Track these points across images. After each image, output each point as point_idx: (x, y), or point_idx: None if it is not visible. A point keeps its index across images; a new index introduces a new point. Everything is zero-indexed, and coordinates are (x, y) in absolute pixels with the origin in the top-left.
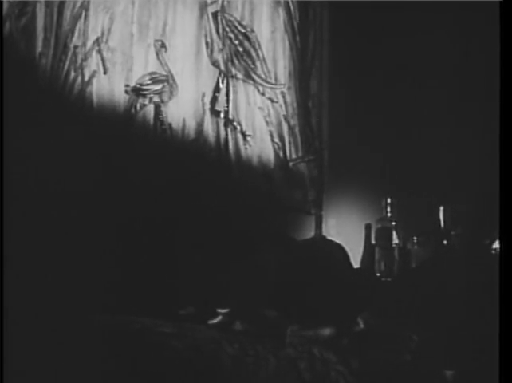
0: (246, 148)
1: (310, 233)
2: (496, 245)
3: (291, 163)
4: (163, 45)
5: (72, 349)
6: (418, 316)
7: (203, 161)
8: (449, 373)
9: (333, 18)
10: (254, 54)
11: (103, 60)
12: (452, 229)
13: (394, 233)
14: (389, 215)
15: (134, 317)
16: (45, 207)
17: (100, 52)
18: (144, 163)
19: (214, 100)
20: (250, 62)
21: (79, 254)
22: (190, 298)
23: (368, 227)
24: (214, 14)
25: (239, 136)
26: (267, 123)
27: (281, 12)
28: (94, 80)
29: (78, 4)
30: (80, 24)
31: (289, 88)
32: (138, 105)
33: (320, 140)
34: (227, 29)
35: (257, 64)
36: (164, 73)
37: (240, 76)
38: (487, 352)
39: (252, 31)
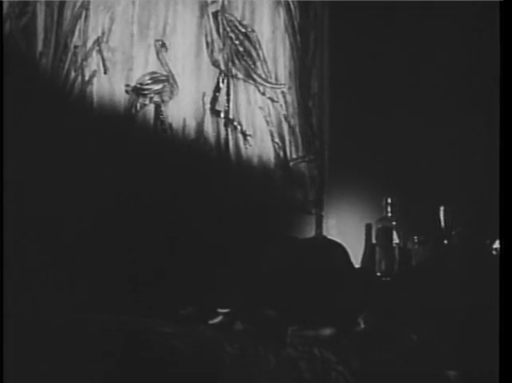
0: (246, 148)
1: (311, 233)
2: (496, 245)
3: (291, 163)
4: (163, 45)
5: (71, 349)
6: (418, 316)
7: (204, 161)
8: (449, 373)
9: (334, 18)
10: (254, 54)
11: (103, 60)
12: (453, 229)
13: (394, 233)
14: (390, 214)
15: (134, 316)
16: (45, 207)
17: (100, 52)
18: (145, 162)
19: (214, 99)
20: (250, 62)
21: (79, 254)
22: (190, 298)
23: (368, 227)
24: (215, 14)
25: (240, 135)
26: (268, 123)
27: (282, 12)
28: (94, 80)
29: (78, 4)
30: (80, 24)
31: (289, 87)
32: (138, 105)
33: (321, 140)
34: (228, 28)
35: (258, 64)
36: (165, 72)
37: (240, 75)
38: (487, 352)
39: (252, 31)
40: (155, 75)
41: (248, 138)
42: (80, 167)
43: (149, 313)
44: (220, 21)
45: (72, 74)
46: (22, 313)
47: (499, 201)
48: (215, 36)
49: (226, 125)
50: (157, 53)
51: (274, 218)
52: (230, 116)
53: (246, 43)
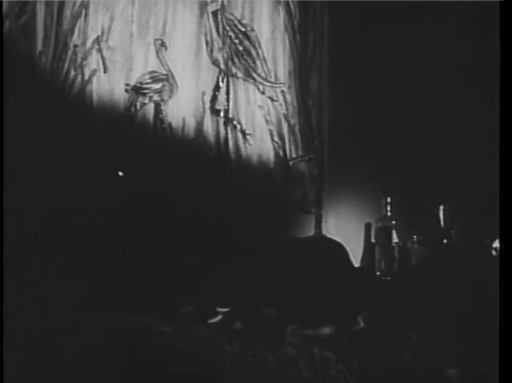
0: (245, 147)
1: (310, 232)
2: (496, 244)
3: (291, 162)
4: (163, 44)
5: (72, 349)
6: (418, 315)
7: (203, 160)
8: (449, 372)
9: (333, 17)
10: (254, 53)
11: (103, 59)
12: (452, 228)
13: (394, 232)
14: (389, 213)
15: (134, 316)
16: (45, 207)
17: (100, 51)
18: (144, 161)
19: (214, 98)
20: (250, 61)
21: (79, 253)
22: (190, 298)
23: (367, 226)
24: (214, 13)
25: (239, 134)
26: (267, 122)
27: (282, 11)
28: (94, 79)
29: (78, 3)
30: (80, 23)
31: (289, 86)
32: (138, 104)
33: (321, 139)
34: (227, 28)
35: (258, 63)
36: (164, 71)
37: (240, 75)
38: (487, 351)
39: (252, 30)
40: (154, 74)
41: (248, 137)
42: (80, 166)
43: (149, 313)
44: (220, 21)
45: (72, 73)
46: (22, 314)
47: (499, 201)
48: (215, 35)
49: (225, 124)
50: (157, 52)
51: (274, 217)
52: (230, 115)
53: (246, 42)
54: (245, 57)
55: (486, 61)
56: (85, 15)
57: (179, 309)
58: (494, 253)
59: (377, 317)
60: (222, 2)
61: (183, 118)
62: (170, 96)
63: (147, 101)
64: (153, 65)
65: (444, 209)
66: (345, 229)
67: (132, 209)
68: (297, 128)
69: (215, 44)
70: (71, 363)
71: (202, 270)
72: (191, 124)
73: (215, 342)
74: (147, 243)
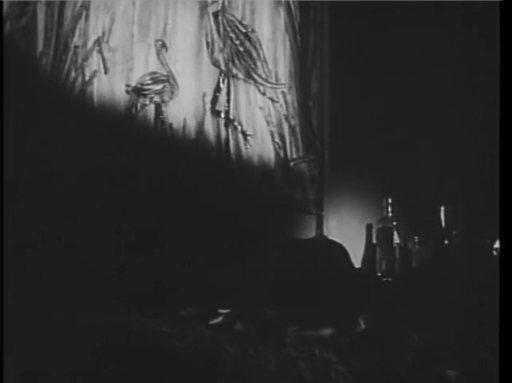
0: (246, 148)
1: (311, 233)
2: (497, 245)
3: (292, 163)
4: (163, 45)
5: (72, 349)
6: (418, 316)
7: (204, 161)
8: (449, 373)
9: (334, 18)
10: (254, 54)
11: (103, 60)
12: (453, 229)
13: (395, 233)
14: (390, 214)
15: (134, 317)
16: (45, 207)
17: (100, 52)
18: (145, 162)
19: (214, 100)
20: (250, 62)
21: (79, 253)
22: (190, 299)
23: (369, 227)
24: (215, 14)
25: (240, 135)
26: (268, 123)
27: (282, 12)
28: (95, 80)
29: (79, 4)
30: (80, 24)
31: (289, 87)
32: (139, 105)
33: (321, 140)
34: (228, 29)
35: (258, 64)
36: (165, 72)
37: (241, 76)
38: (487, 352)
39: (253, 31)
40: (155, 75)
41: (248, 138)
42: (81, 167)
43: (150, 314)
44: (220, 22)
45: (73, 74)
46: (22, 314)
47: (499, 201)
48: (216, 36)
49: (226, 125)
50: (157, 53)
51: (275, 218)
52: (231, 117)
53: (247, 43)
54: (245, 58)
55: (486, 61)
56: (86, 16)
57: (180, 311)
58: (494, 253)
59: (378, 318)
60: (223, 3)
61: (184, 119)
62: (170, 98)
63: (147, 102)
64: (154, 66)
65: (445, 210)
66: (346, 230)
67: (133, 210)
68: (297, 129)
69: (216, 45)
70: (71, 363)
71: (203, 271)
72: (191, 126)
73: (216, 343)
74: (147, 244)
